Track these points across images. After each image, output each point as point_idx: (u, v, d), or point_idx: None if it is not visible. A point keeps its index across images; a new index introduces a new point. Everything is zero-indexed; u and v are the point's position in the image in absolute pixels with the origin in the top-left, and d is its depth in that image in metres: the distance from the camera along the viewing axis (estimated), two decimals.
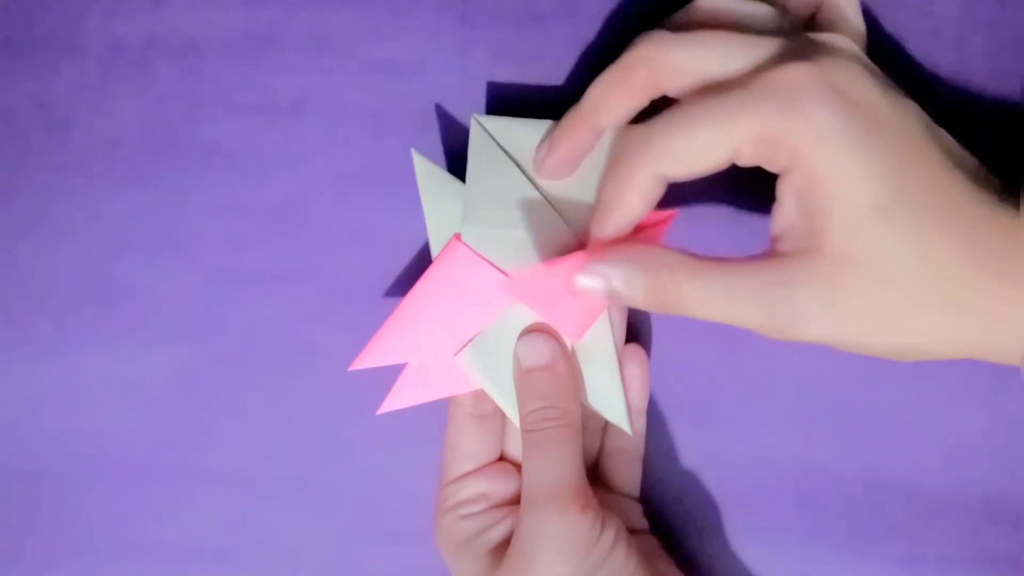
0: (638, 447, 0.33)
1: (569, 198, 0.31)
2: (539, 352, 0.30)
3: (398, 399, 0.31)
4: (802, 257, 0.26)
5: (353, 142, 0.34)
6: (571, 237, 0.31)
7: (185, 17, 0.34)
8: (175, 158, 0.34)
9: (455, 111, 0.34)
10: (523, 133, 0.31)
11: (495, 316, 0.31)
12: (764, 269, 0.26)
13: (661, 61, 0.27)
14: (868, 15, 0.33)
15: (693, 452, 0.34)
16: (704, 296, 0.26)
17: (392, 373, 0.31)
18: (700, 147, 0.26)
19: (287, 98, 0.34)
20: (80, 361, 0.34)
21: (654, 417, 0.34)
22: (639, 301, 0.27)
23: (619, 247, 0.28)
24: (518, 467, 0.32)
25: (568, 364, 0.30)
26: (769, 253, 0.27)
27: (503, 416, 0.32)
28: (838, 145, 0.25)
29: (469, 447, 0.31)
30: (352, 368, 0.31)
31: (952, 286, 0.25)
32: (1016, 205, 0.26)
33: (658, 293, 0.27)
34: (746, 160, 0.27)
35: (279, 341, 0.34)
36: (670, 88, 0.28)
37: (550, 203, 0.30)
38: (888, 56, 0.33)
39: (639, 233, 0.30)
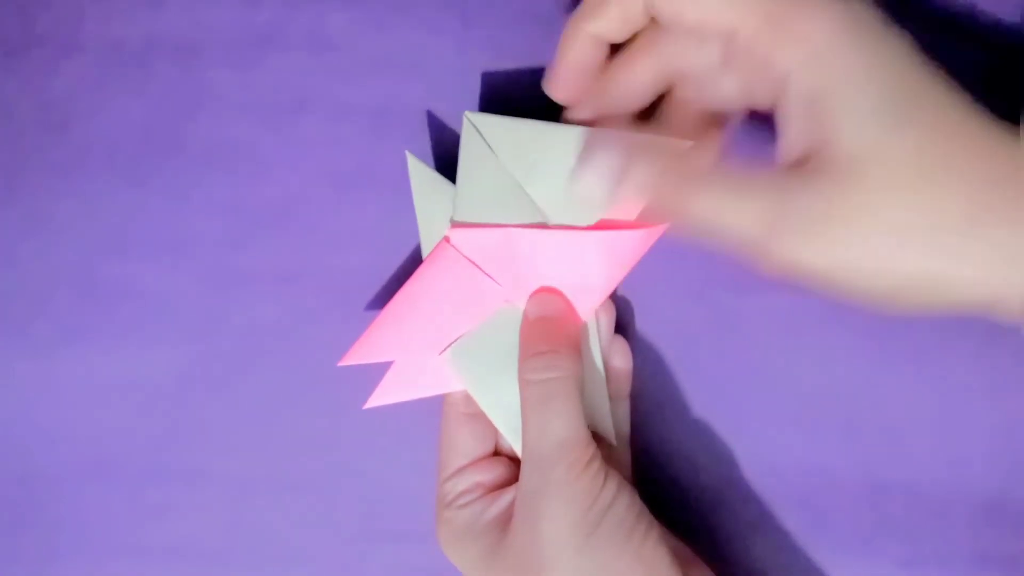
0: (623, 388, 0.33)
1: (556, 198, 0.30)
2: (551, 303, 0.30)
3: (385, 395, 0.31)
4: (808, 170, 0.24)
5: (353, 141, 0.34)
6: None
7: (185, 17, 0.34)
8: (174, 158, 0.34)
9: (455, 111, 0.34)
10: (515, 132, 0.30)
11: (481, 318, 0.31)
12: (775, 176, 0.25)
13: None
14: None
15: (693, 451, 0.34)
16: (711, 194, 0.25)
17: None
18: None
19: (286, 98, 0.34)
20: (80, 361, 0.34)
21: (653, 416, 0.34)
22: (642, 191, 0.26)
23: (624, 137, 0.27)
24: (512, 461, 0.32)
25: (578, 327, 0.30)
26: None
27: None
28: (853, 41, 0.24)
29: (464, 444, 0.32)
30: (341, 364, 0.31)
31: (955, 212, 0.24)
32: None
33: (666, 186, 0.26)
34: (736, 54, 0.26)
35: (278, 340, 0.34)
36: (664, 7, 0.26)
37: (537, 204, 0.30)
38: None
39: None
